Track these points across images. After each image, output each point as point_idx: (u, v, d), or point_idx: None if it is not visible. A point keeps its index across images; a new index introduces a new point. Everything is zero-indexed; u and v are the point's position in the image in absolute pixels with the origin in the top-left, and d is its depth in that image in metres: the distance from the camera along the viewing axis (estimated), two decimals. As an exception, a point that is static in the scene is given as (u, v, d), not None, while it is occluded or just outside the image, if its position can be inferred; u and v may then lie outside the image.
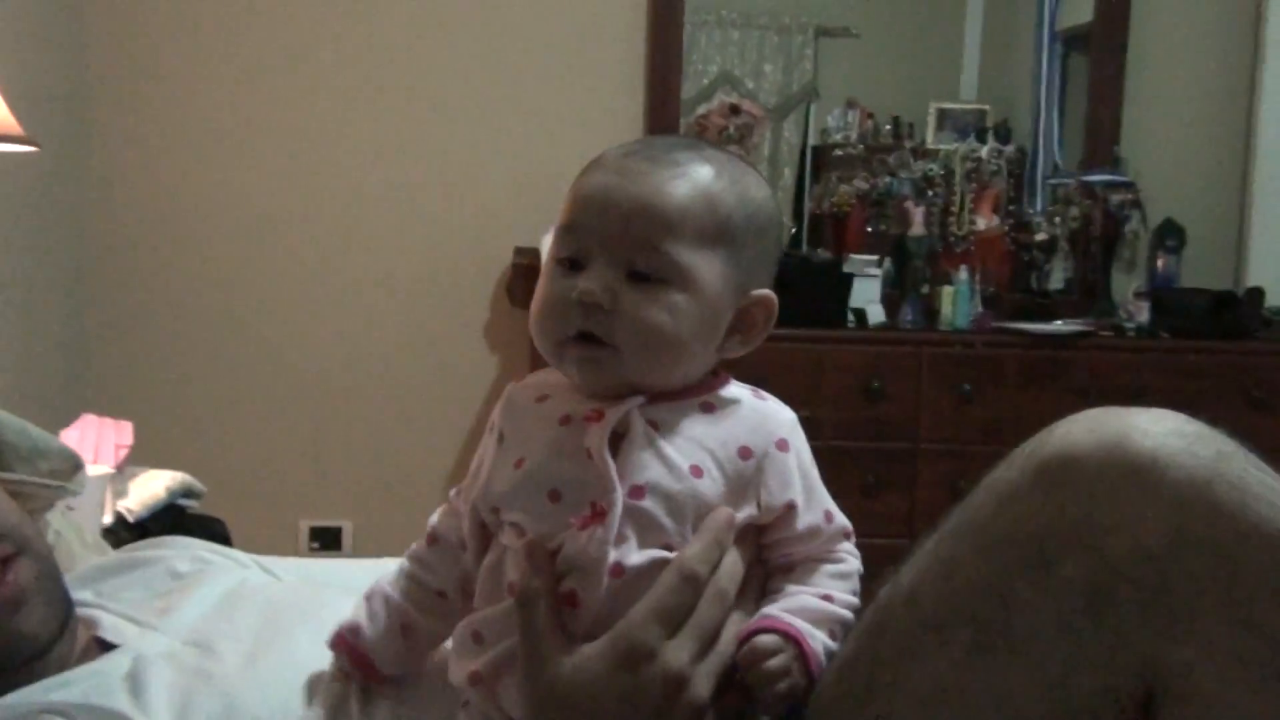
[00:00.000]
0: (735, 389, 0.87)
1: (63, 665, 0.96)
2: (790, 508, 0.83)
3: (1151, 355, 2.93)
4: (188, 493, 2.06)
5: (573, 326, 0.81)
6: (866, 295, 3.01)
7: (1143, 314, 3.06)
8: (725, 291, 0.83)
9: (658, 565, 0.79)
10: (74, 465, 1.23)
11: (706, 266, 0.82)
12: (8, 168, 2.34)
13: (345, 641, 0.92)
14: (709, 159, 0.85)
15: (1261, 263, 3.25)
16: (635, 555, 0.78)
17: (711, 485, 0.81)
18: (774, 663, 0.79)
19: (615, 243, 0.81)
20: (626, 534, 0.79)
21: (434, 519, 0.93)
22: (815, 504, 0.85)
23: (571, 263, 0.83)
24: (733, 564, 0.81)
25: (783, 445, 0.84)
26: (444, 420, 3.20)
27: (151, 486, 1.97)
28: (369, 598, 0.93)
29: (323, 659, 0.94)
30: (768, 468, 0.83)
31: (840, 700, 0.78)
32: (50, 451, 1.23)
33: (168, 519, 1.97)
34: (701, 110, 3.23)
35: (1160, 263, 3.18)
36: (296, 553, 3.10)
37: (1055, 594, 0.70)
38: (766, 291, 0.86)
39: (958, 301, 3.04)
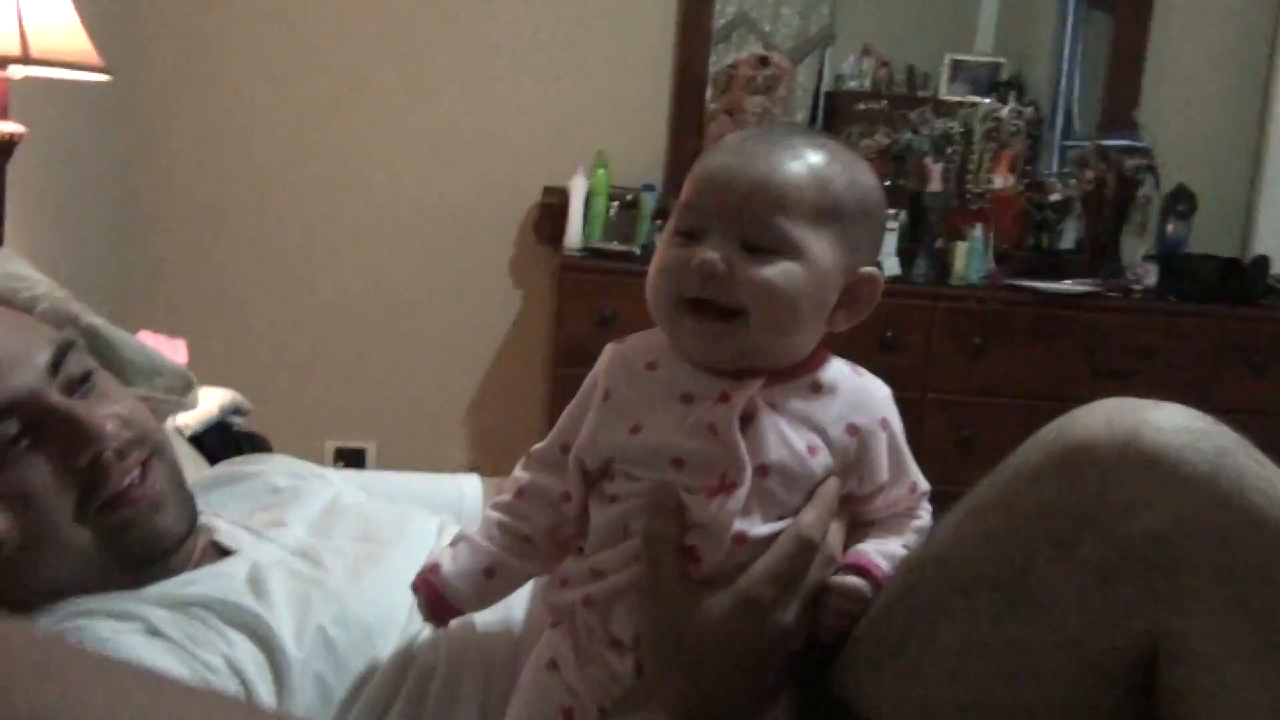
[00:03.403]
0: (836, 366, 0.93)
1: (184, 565, 1.02)
2: (880, 488, 0.91)
3: (1156, 317, 2.99)
4: (236, 410, 2.14)
5: (690, 289, 0.86)
6: (882, 248, 3.05)
7: (1150, 277, 3.11)
8: (834, 267, 0.88)
9: (775, 534, 0.87)
10: (187, 383, 1.31)
11: (817, 241, 0.86)
12: (75, 96, 2.38)
13: (425, 580, 0.95)
14: (823, 145, 0.90)
15: (1269, 231, 3.31)
16: (759, 527, 0.86)
17: (824, 462, 0.88)
18: (859, 608, 0.88)
19: (731, 217, 0.86)
20: (751, 507, 0.86)
21: (518, 474, 0.96)
22: (903, 479, 0.92)
23: (689, 235, 0.88)
24: (838, 528, 0.90)
25: (885, 424, 0.91)
26: (467, 350, 3.29)
27: (206, 403, 2.05)
28: (454, 543, 0.96)
29: (411, 573, 0.99)
30: (869, 447, 0.89)
31: (876, 647, 0.87)
32: (166, 369, 1.31)
33: (217, 435, 2.05)
34: (730, 60, 3.28)
35: (1170, 228, 3.22)
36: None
37: (1073, 567, 0.79)
38: (873, 269, 0.91)
39: (971, 257, 3.09)
